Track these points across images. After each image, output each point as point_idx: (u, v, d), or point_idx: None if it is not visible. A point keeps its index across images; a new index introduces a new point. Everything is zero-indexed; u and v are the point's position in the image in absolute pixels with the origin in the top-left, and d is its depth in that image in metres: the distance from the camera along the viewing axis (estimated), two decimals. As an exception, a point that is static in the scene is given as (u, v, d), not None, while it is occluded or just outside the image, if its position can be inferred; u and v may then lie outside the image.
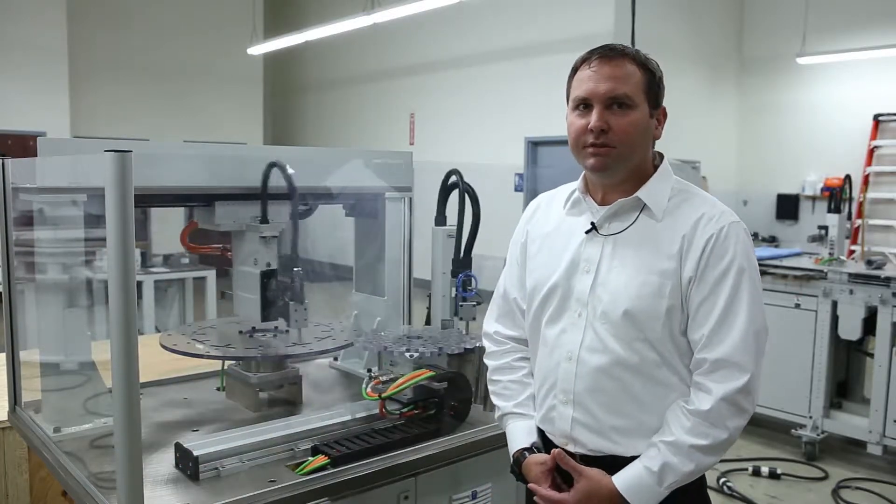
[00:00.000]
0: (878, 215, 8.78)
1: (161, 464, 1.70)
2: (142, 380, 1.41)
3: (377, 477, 1.69)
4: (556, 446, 1.55)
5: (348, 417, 1.91)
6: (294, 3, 13.23)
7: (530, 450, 1.60)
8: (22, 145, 9.14)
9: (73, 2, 10.20)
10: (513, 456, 1.62)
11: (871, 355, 4.43)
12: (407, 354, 1.99)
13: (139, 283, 5.75)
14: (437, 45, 10.81)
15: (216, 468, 1.63)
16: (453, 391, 1.94)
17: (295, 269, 2.01)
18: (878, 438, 4.24)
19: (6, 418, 2.22)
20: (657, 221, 1.50)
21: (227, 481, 1.61)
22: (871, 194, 8.87)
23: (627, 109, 1.47)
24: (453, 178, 2.22)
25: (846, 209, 5.17)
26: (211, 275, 6.52)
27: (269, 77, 13.21)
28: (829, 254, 4.80)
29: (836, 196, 4.96)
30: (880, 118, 8.92)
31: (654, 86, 1.51)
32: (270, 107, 13.62)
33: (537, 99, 9.18)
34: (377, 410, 1.87)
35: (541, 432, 1.63)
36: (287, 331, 2.25)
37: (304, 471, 1.64)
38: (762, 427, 4.81)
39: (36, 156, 1.83)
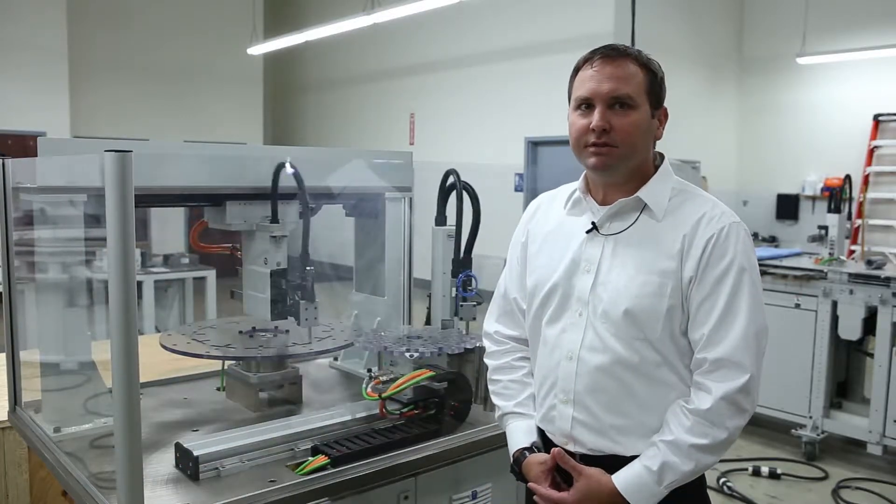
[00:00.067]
0: (878, 215, 8.77)
1: (161, 464, 1.70)
2: (142, 380, 1.41)
3: (377, 477, 1.69)
4: (556, 446, 1.55)
5: (348, 417, 1.91)
6: (294, 3, 13.23)
7: (530, 449, 1.60)
8: (22, 145, 9.15)
9: (73, 2, 10.20)
10: (513, 455, 1.63)
11: (871, 355, 4.43)
12: (407, 354, 1.99)
13: (139, 283, 5.74)
14: (437, 45, 10.81)
15: (216, 468, 1.63)
16: (453, 391, 1.94)
17: (308, 267, 2.01)
18: (878, 438, 4.24)
19: (6, 418, 2.22)
20: (658, 221, 1.51)
21: (227, 481, 1.61)
22: (871, 194, 8.87)
23: (629, 109, 1.47)
24: (452, 178, 2.22)
25: (846, 209, 5.17)
26: (211, 275, 6.52)
27: (269, 77, 13.22)
28: (829, 254, 4.80)
29: (836, 196, 4.96)
30: (880, 118, 8.92)
31: (655, 86, 1.52)
32: (270, 107, 13.62)
33: (537, 99, 9.18)
34: (377, 410, 1.87)
35: (541, 432, 1.63)
36: (287, 331, 2.25)
37: (304, 471, 1.64)
38: (762, 427, 4.81)
39: (36, 156, 1.82)
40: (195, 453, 1.61)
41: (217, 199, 2.05)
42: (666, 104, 1.56)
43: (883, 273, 4.27)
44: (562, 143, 8.61)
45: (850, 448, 4.58)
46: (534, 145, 9.77)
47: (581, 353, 1.52)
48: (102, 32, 10.80)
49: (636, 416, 1.49)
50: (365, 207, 2.49)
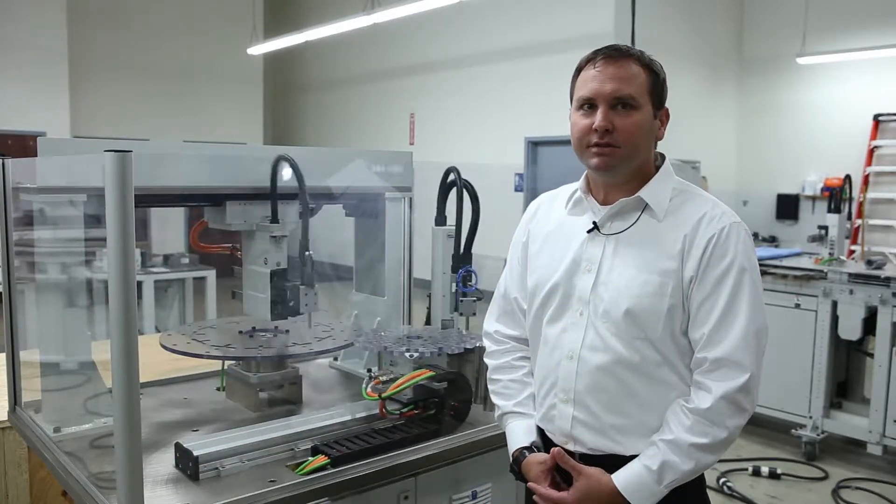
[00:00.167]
0: (878, 215, 8.77)
1: (161, 464, 1.70)
2: (142, 380, 1.41)
3: (377, 477, 1.69)
4: (556, 445, 1.55)
5: (348, 417, 1.91)
6: (294, 3, 13.23)
7: (530, 449, 1.60)
8: (22, 145, 9.15)
9: (73, 2, 10.20)
10: (512, 455, 1.63)
11: (871, 355, 4.43)
12: (407, 354, 1.99)
13: (139, 283, 5.74)
14: (437, 45, 10.81)
15: (216, 468, 1.63)
16: (453, 391, 1.94)
17: (307, 252, 2.00)
18: (878, 438, 4.24)
19: (6, 418, 2.22)
20: (659, 221, 1.51)
21: (227, 481, 1.61)
22: (871, 194, 8.87)
23: (632, 110, 1.48)
24: (452, 177, 2.22)
25: (846, 209, 5.17)
26: (211, 275, 6.52)
27: (269, 77, 13.22)
28: (829, 254, 4.80)
29: (836, 196, 4.96)
30: (880, 118, 8.92)
31: (657, 87, 1.52)
32: (270, 107, 13.62)
33: (537, 99, 9.18)
34: (377, 410, 1.87)
35: (540, 431, 1.63)
36: (287, 331, 2.25)
37: (304, 471, 1.64)
38: (762, 427, 4.81)
39: (36, 156, 1.82)
40: (195, 453, 1.61)
41: (217, 199, 2.05)
42: (666, 104, 1.57)
43: (883, 273, 4.27)
44: (562, 143, 8.64)
45: (850, 448, 4.58)
46: (534, 145, 9.77)
47: (582, 353, 1.52)
48: (102, 32, 10.80)
49: (636, 415, 1.49)
50: (365, 207, 2.49)
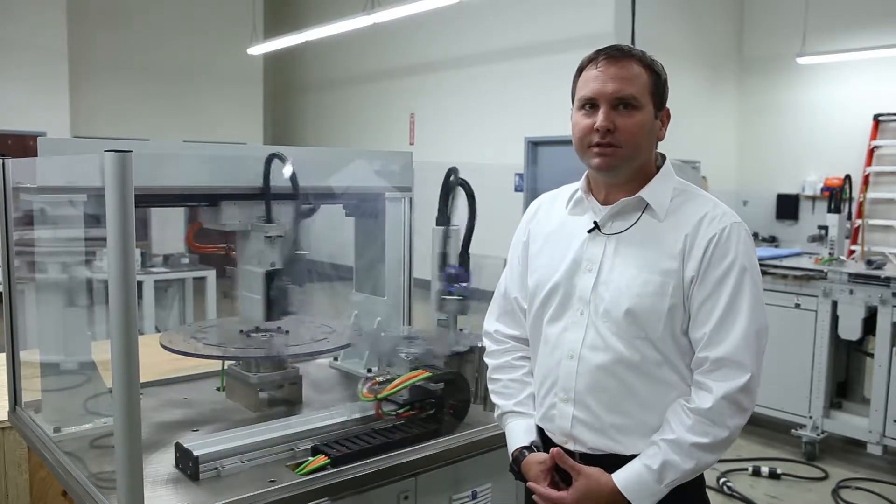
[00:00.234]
0: (878, 215, 8.77)
1: (161, 464, 1.70)
2: (142, 380, 1.41)
3: (377, 477, 1.69)
4: (556, 445, 1.56)
5: (348, 417, 1.91)
6: (294, 3, 13.22)
7: (529, 448, 1.60)
8: (22, 145, 9.14)
9: (73, 2, 10.20)
10: (512, 454, 1.63)
11: (871, 355, 4.42)
12: (402, 356, 1.99)
13: (139, 283, 5.73)
14: (437, 45, 10.81)
15: (216, 468, 1.63)
16: (451, 391, 1.94)
17: (298, 251, 2.00)
18: (878, 438, 4.24)
19: (6, 418, 2.22)
20: (660, 221, 1.51)
21: (227, 481, 1.61)
22: (871, 194, 8.87)
23: (633, 110, 1.48)
24: (453, 177, 2.21)
25: (846, 209, 5.17)
26: (211, 275, 6.51)
27: (269, 77, 13.21)
28: (829, 254, 4.79)
29: (836, 196, 4.96)
30: (880, 118, 8.91)
31: (659, 87, 1.52)
32: (270, 107, 13.62)
33: (537, 99, 9.18)
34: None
35: (540, 431, 1.63)
36: (287, 331, 2.25)
37: (304, 471, 1.64)
38: (762, 427, 4.81)
39: (36, 156, 1.82)
40: (195, 453, 1.61)
41: (217, 199, 2.05)
42: (667, 105, 1.57)
43: (883, 273, 4.27)
44: (562, 143, 8.63)
45: (850, 448, 4.58)
46: (534, 145, 9.77)
47: (582, 352, 1.52)
48: (102, 32, 10.79)
49: (637, 415, 1.49)
50: (365, 207, 2.49)
